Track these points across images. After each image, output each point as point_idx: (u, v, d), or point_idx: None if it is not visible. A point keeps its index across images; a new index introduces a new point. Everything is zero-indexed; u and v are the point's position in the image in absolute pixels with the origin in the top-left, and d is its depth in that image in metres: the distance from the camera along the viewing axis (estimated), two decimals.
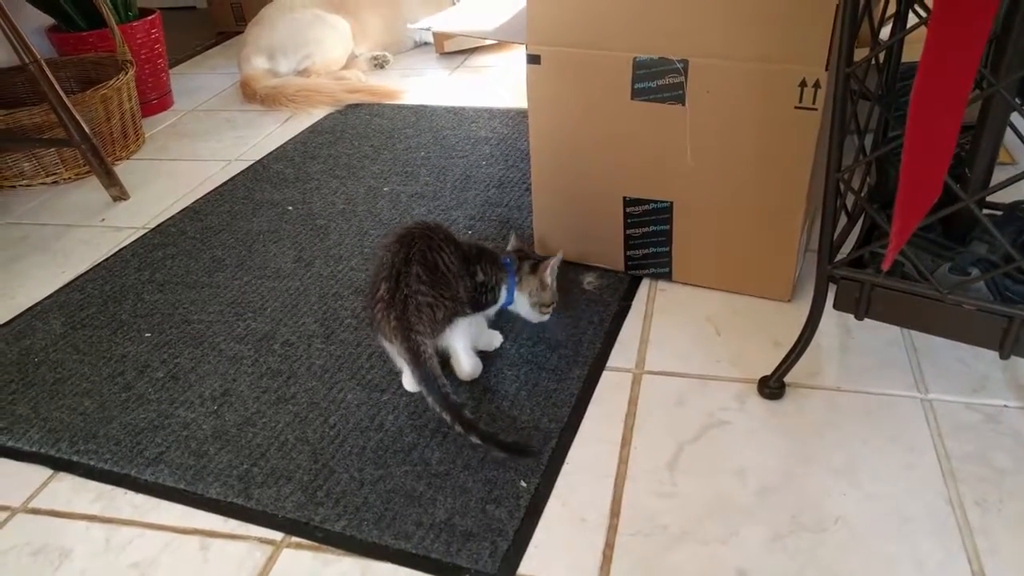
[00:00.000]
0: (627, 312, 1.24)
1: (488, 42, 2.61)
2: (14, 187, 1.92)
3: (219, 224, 1.63)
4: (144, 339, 1.28)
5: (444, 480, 0.96)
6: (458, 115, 2.10)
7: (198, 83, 2.61)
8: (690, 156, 1.14)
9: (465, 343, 1.08)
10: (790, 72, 1.02)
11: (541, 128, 1.25)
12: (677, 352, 1.15)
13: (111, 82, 1.94)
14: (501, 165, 1.78)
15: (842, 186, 0.88)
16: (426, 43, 2.77)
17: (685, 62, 1.08)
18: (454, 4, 2.69)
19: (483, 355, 1.14)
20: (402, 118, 2.12)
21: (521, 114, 2.06)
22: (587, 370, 1.12)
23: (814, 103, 1.02)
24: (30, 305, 1.41)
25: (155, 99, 2.35)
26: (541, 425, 1.03)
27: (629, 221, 1.26)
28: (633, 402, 1.06)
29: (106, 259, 1.54)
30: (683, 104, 1.12)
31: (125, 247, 1.58)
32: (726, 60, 1.06)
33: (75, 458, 1.05)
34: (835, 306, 0.96)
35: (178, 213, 1.70)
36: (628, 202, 1.24)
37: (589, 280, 1.31)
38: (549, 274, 1.13)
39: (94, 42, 2.17)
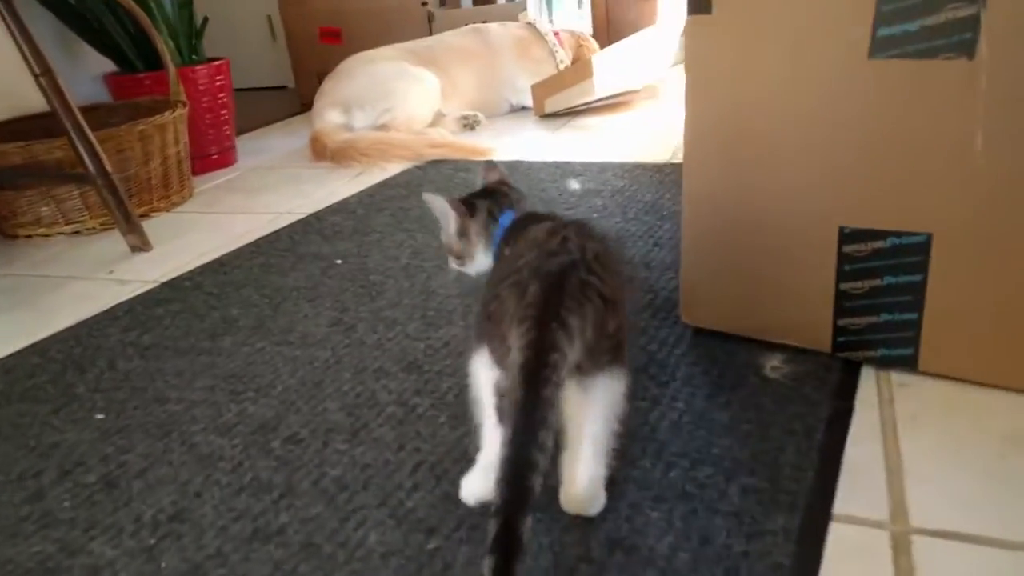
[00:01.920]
0: (848, 419, 0.73)
1: (596, 103, 2.23)
2: (30, 236, 1.60)
3: (244, 279, 1.24)
4: (93, 422, 0.86)
5: None
6: (561, 168, 1.69)
7: (269, 144, 2.33)
8: (981, 143, 0.66)
9: (603, 431, 0.60)
10: None
11: (704, 121, 0.81)
12: (962, 495, 0.63)
13: (152, 118, 1.63)
14: (618, 218, 1.33)
15: None
16: (524, 107, 2.41)
17: None
18: (558, 69, 2.35)
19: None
20: None
21: (641, 167, 1.63)
22: (799, 518, 0.61)
23: None
24: None
25: (216, 154, 2.05)
26: None
27: (846, 269, 0.78)
28: None
29: (93, 316, 1.16)
30: (970, 56, 0.65)
31: (121, 303, 1.20)
32: None
33: None
34: None
35: (200, 266, 1.32)
36: (846, 236, 0.76)
37: (774, 364, 0.82)
38: None
39: (150, 84, 1.90)
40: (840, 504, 0.63)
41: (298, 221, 1.51)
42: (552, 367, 0.52)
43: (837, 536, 0.59)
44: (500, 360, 0.57)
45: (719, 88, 0.79)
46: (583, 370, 0.56)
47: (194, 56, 2.00)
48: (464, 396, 0.83)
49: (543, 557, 0.60)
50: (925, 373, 0.78)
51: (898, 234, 0.74)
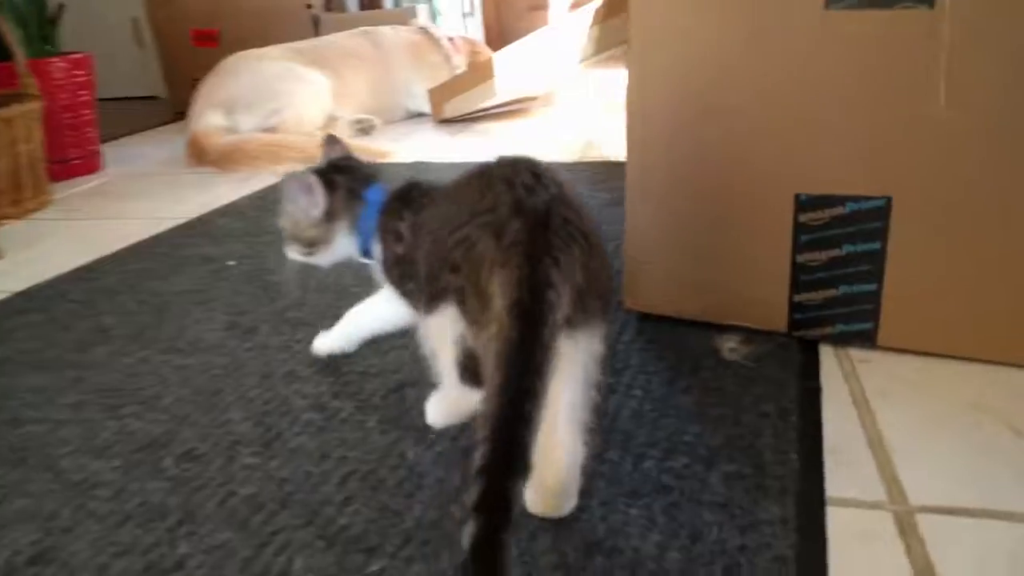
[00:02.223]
0: (818, 398, 0.68)
1: (495, 109, 2.17)
2: None
3: (117, 285, 1.08)
4: None
5: None
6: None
7: (140, 151, 2.13)
8: (945, 97, 0.63)
9: (583, 397, 0.51)
10: None
11: (648, 86, 0.75)
12: (952, 468, 0.59)
13: None
14: None
15: None
16: (421, 114, 2.32)
17: None
18: (453, 74, 2.28)
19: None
20: (394, 172, 1.61)
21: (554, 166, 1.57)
22: (793, 504, 0.55)
23: None
24: None
25: (77, 159, 1.83)
26: None
27: (803, 240, 0.73)
28: None
29: None
30: (930, 5, 0.62)
31: None
32: None
33: None
34: None
35: (63, 274, 1.15)
36: (803, 204, 0.72)
37: (731, 346, 0.76)
38: None
39: None
40: (832, 487, 0.57)
41: (181, 225, 1.35)
42: (549, 306, 0.44)
43: (837, 521, 0.53)
44: (475, 316, 0.48)
45: (665, 49, 0.73)
46: (571, 322, 0.47)
47: (48, 47, 1.78)
48: (392, 398, 0.73)
49: (514, 569, 0.50)
50: (885, 348, 0.74)
51: (856, 199, 0.70)
